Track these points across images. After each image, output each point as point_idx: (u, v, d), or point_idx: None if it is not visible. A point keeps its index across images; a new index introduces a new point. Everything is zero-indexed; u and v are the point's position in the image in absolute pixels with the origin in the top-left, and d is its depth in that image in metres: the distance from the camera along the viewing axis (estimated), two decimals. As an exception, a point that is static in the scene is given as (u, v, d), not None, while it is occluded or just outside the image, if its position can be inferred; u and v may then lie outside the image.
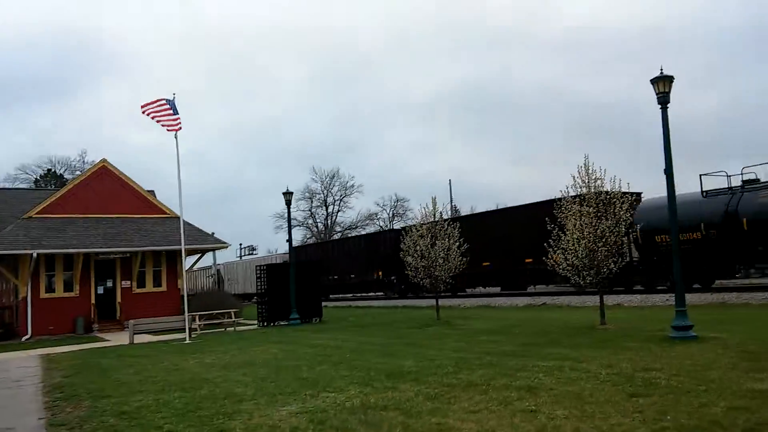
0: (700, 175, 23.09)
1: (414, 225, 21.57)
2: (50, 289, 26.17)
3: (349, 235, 68.36)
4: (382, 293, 41.23)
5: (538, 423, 6.42)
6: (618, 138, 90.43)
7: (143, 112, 20.23)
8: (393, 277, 37.78)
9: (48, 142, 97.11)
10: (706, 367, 8.92)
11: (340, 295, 45.47)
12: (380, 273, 39.09)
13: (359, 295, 43.76)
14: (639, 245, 24.20)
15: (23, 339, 24.34)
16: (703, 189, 22.78)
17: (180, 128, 20.38)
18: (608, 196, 14.96)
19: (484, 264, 30.45)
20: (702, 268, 23.18)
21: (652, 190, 29.20)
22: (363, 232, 72.50)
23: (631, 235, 24.66)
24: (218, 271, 58.85)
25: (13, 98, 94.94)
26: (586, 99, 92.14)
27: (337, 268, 42.15)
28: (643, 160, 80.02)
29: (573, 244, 15.11)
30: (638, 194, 25.46)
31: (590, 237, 14.80)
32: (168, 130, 20.37)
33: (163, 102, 20.20)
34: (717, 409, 6.49)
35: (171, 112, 20.18)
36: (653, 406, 6.78)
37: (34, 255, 24.21)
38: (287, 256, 47.20)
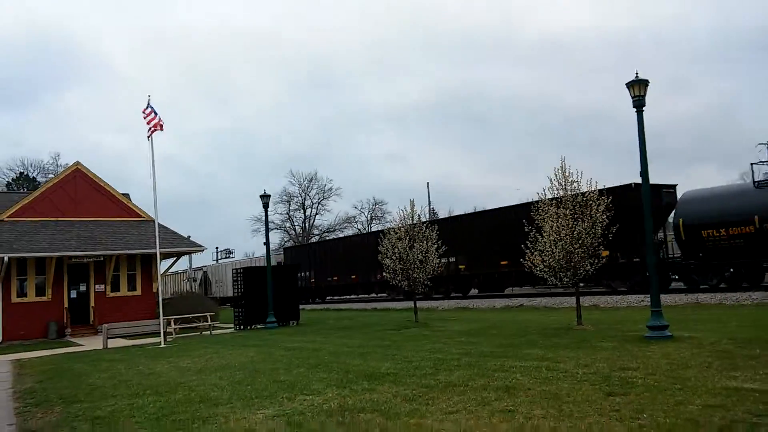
0: (752, 164, 21.98)
1: (392, 228, 21.51)
2: (22, 293, 25.69)
3: (351, 234, 66.56)
4: (385, 294, 38.58)
5: (516, 423, 6.41)
6: (596, 144, 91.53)
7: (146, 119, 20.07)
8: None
9: (19, 144, 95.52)
10: (681, 366, 8.99)
11: (340, 297, 44.06)
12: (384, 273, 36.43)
13: (362, 296, 41.59)
14: (682, 241, 22.73)
15: (-6, 344, 23.86)
16: (755, 179, 21.58)
17: (161, 127, 20.08)
18: (584, 198, 15.06)
19: (461, 267, 30.48)
20: (754, 265, 21.66)
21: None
22: (341, 235, 72.22)
23: (665, 230, 24.00)
24: (205, 273, 57.96)
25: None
26: (562, 107, 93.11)
27: (336, 268, 40.85)
28: (623, 165, 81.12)
29: (550, 246, 15.19)
30: (673, 186, 24.40)
31: (567, 239, 14.89)
32: (150, 133, 20.04)
33: (147, 112, 19.95)
34: (693, 407, 6.53)
35: (153, 114, 19.92)
36: (630, 405, 6.81)
37: (6, 259, 23.75)
38: (280, 257, 46.60)
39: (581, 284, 16.11)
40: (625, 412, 6.53)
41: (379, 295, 39.34)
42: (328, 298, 45.01)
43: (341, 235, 67.85)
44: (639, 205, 14.33)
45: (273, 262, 40.93)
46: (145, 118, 19.90)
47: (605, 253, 21.97)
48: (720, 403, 6.65)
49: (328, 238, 66.84)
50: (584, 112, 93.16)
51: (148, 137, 20.02)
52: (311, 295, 44.26)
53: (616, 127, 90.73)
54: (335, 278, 41.19)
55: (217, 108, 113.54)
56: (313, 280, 42.79)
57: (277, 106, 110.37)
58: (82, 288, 27.23)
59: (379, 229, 44.78)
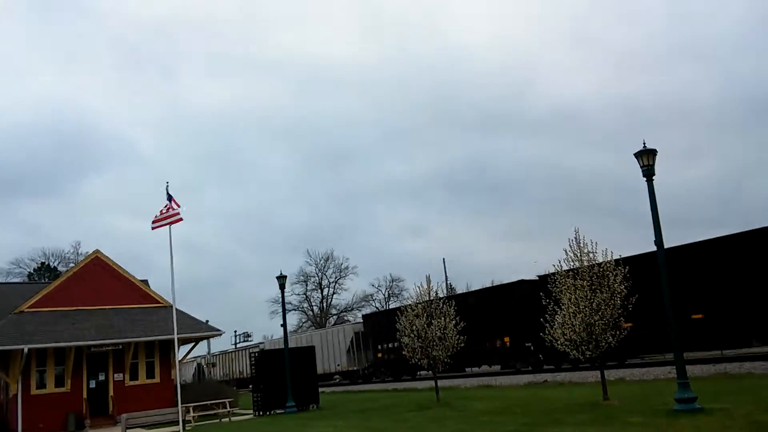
0: None
1: (409, 305, 21.41)
2: (41, 384, 25.55)
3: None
4: (500, 366, 32.59)
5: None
6: (609, 211, 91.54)
7: (154, 228, 20.51)
8: (528, 344, 28.77)
9: (40, 235, 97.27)
10: (713, 440, 8.72)
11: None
12: (507, 339, 30.37)
13: (475, 370, 34.66)
14: None
15: (12, 438, 23.60)
16: None
17: (181, 219, 20.47)
18: (601, 269, 14.99)
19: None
20: None
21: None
22: (359, 314, 71.54)
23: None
24: (198, 365, 56.08)
25: (4, 193, 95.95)
26: (574, 175, 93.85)
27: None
28: (638, 231, 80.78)
29: (569, 318, 15.01)
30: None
31: (586, 311, 14.72)
32: (171, 224, 20.43)
33: (167, 206, 20.41)
34: (728, 485, 6.31)
35: (172, 207, 20.34)
36: (663, 484, 6.59)
37: (26, 350, 23.78)
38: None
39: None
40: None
41: (492, 366, 33.27)
42: (420, 374, 36.89)
43: (346, 318, 67.22)
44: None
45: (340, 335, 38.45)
46: (166, 211, 20.30)
47: (628, 325, 21.69)
48: (756, 479, 6.42)
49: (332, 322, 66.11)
50: (600, 179, 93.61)
51: (162, 226, 20.33)
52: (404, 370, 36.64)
53: (632, 193, 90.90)
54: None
55: (232, 187, 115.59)
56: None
57: (293, 184, 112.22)
58: (101, 377, 27.05)
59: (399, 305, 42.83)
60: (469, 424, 13.61)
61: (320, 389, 36.39)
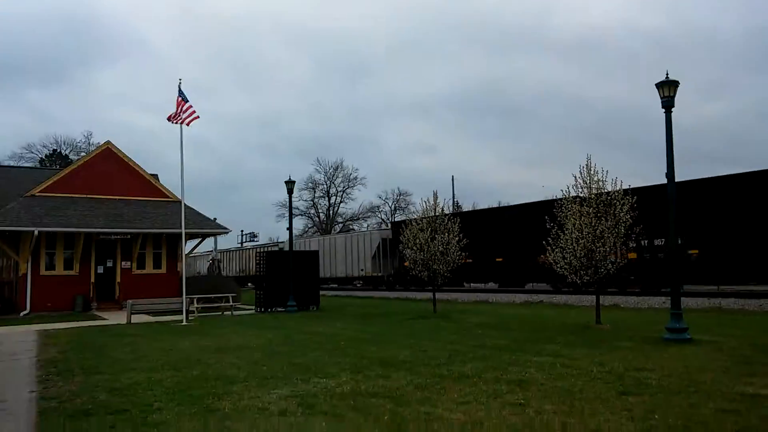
0: None
1: (414, 219, 21.58)
2: (50, 266, 26.23)
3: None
4: (498, 284, 32.86)
5: (526, 416, 6.44)
6: (624, 142, 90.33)
7: (172, 120, 20.18)
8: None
9: (50, 122, 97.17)
10: (698, 369, 8.92)
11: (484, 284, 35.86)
12: (501, 259, 30.23)
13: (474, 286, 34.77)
14: None
15: (21, 314, 24.45)
16: None
17: (197, 116, 20.24)
18: (609, 197, 14.93)
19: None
20: None
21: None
22: (365, 224, 72.25)
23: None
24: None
25: (16, 79, 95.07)
26: (593, 103, 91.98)
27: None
28: (650, 165, 80.00)
29: (571, 244, 15.10)
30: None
31: (589, 237, 14.79)
32: (188, 124, 20.24)
33: (179, 100, 20.09)
34: (706, 411, 6.50)
35: (187, 105, 20.08)
36: (642, 405, 6.79)
37: (36, 232, 24.26)
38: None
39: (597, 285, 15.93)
40: (637, 411, 6.52)
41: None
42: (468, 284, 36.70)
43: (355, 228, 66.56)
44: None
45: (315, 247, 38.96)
46: (178, 107, 20.06)
47: (632, 255, 21.73)
48: (734, 408, 6.60)
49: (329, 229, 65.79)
50: (618, 110, 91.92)
51: (180, 124, 20.15)
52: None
53: (648, 126, 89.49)
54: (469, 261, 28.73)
55: (243, 91, 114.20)
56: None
57: (306, 92, 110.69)
58: (109, 264, 27.72)
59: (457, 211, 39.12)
60: (461, 335, 13.96)
61: (341, 293, 37.40)
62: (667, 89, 12.62)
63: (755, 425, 5.97)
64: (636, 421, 6.16)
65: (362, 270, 41.52)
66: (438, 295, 22.34)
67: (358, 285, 44.29)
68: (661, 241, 22.78)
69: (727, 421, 6.11)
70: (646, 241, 23.05)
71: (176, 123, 20.10)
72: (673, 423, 6.03)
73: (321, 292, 27.20)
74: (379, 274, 39.97)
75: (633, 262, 22.61)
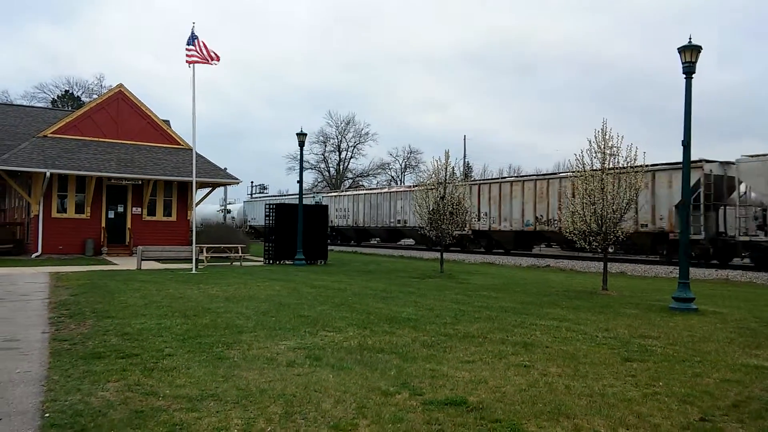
0: None
1: (424, 181, 21.71)
2: (62, 209, 26.44)
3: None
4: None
5: (530, 378, 6.51)
6: (641, 106, 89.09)
7: (188, 62, 19.84)
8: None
9: (60, 63, 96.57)
10: (703, 339, 8.97)
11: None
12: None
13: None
14: None
15: (33, 256, 24.78)
16: None
17: (218, 61, 19.93)
18: (626, 161, 14.84)
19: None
20: None
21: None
22: (374, 181, 71.90)
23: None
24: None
25: (25, 16, 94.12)
26: (612, 63, 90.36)
27: None
28: (665, 131, 79.01)
29: (582, 209, 15.06)
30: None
31: (600, 203, 14.73)
32: (211, 63, 19.92)
33: (199, 42, 19.75)
34: (710, 380, 6.54)
35: (198, 46, 19.80)
36: (646, 372, 6.85)
37: (48, 174, 24.38)
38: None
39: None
40: (640, 378, 6.57)
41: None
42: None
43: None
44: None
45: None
46: (192, 48, 19.77)
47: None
48: (738, 378, 6.65)
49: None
50: (639, 75, 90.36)
51: (210, 63, 19.80)
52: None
53: (668, 93, 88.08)
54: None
55: (255, 39, 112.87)
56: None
57: (317, 43, 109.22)
58: (120, 209, 27.92)
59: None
60: (467, 295, 14.05)
61: (346, 248, 37.19)
62: (689, 54, 12.35)
63: (758, 395, 6.01)
64: (640, 387, 6.22)
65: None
66: (445, 256, 22.42)
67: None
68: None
69: (730, 390, 6.15)
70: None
71: (191, 61, 19.78)
72: (677, 391, 6.08)
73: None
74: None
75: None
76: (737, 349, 8.29)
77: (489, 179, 34.62)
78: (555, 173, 31.08)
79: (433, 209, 20.36)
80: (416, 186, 37.27)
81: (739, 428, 5.04)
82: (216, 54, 19.85)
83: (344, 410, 5.28)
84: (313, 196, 50.80)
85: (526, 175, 34.36)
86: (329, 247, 27.41)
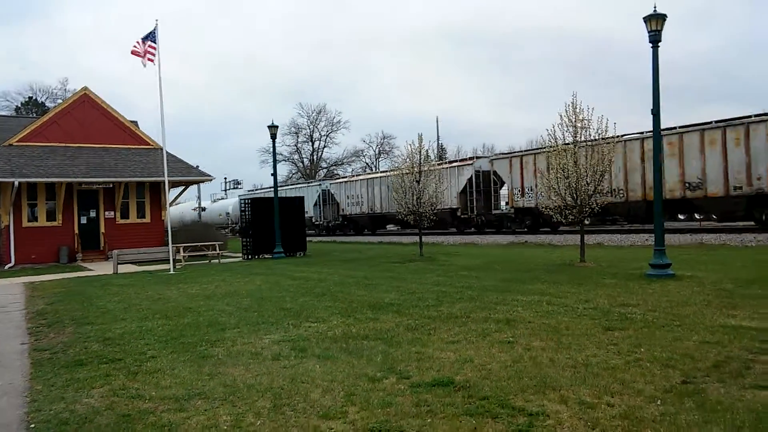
0: None
1: (400, 165, 21.69)
2: (33, 218, 25.97)
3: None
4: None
5: (515, 353, 6.57)
6: (613, 78, 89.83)
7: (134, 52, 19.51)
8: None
9: (23, 64, 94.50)
10: (681, 303, 9.12)
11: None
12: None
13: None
14: None
15: (6, 267, 24.34)
16: None
17: (151, 58, 19.57)
18: (597, 134, 14.97)
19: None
20: None
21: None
22: (350, 169, 71.66)
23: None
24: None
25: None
26: (582, 36, 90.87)
27: None
28: (638, 100, 79.81)
29: (556, 183, 15.18)
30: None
31: (573, 176, 14.87)
32: (148, 60, 19.63)
33: (142, 39, 19.48)
34: (690, 343, 6.66)
35: (150, 43, 19.48)
36: (628, 340, 6.95)
37: (16, 183, 23.90)
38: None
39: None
40: (622, 346, 6.67)
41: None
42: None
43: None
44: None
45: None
46: (146, 45, 19.42)
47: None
48: (717, 340, 6.77)
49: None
50: (608, 45, 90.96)
51: (149, 59, 19.56)
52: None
53: (640, 61, 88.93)
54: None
55: (221, 29, 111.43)
56: None
57: (285, 30, 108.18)
58: (92, 214, 27.49)
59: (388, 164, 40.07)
60: (448, 276, 14.13)
61: (326, 239, 37.17)
62: (655, 23, 12.45)
63: (737, 355, 6.13)
64: (622, 354, 6.31)
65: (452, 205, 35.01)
66: (424, 239, 22.48)
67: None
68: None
69: (710, 352, 6.27)
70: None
71: (134, 52, 19.48)
72: (659, 356, 6.18)
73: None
74: (467, 216, 34.48)
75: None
76: (715, 311, 8.45)
77: (534, 149, 30.21)
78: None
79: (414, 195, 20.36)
80: (448, 163, 35.34)
81: (720, 388, 5.14)
82: (151, 58, 19.49)
83: (333, 399, 5.28)
84: (319, 184, 48.62)
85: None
86: (333, 238, 27.18)
